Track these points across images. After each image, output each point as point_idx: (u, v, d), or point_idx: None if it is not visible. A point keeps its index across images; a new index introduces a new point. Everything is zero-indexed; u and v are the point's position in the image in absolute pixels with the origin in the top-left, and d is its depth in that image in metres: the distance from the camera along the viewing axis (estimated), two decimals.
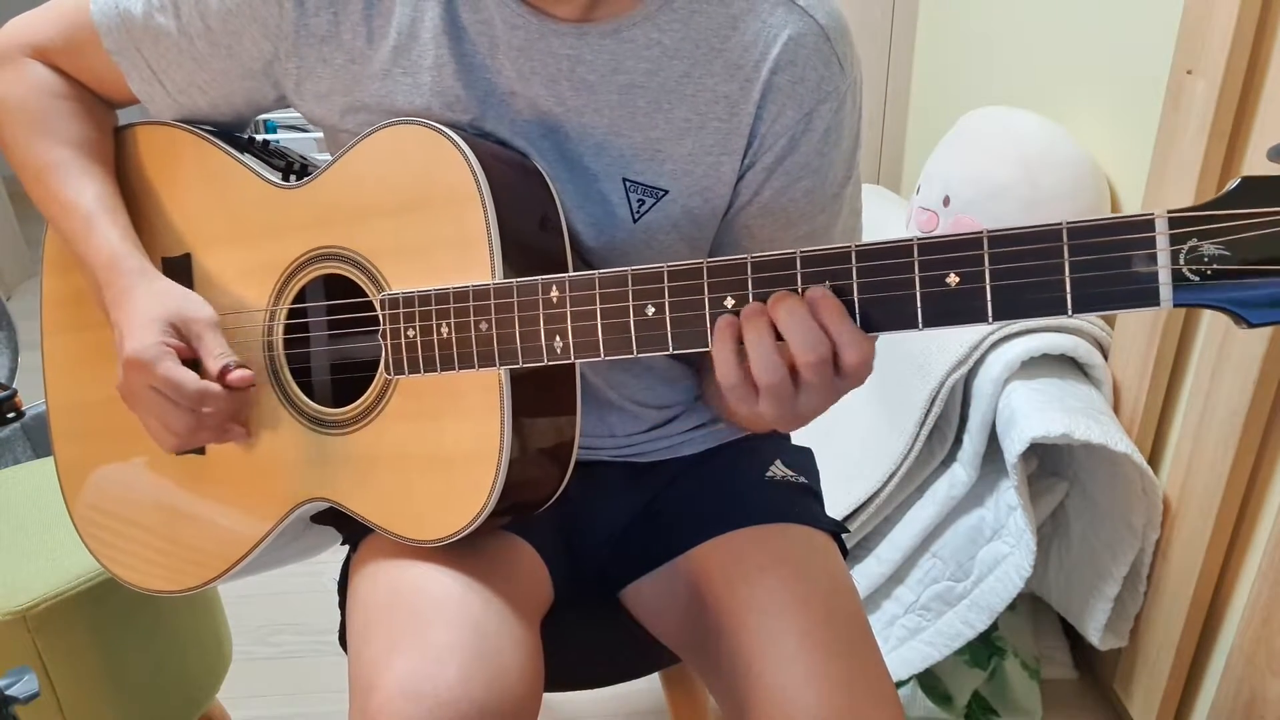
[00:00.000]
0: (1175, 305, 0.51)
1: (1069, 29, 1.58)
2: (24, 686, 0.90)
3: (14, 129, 0.86)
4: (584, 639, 0.95)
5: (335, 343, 0.86)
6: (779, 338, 0.61)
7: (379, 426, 0.78)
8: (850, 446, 1.58)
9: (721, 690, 0.82)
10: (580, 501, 0.87)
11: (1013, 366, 1.33)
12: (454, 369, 0.73)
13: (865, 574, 1.52)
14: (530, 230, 0.75)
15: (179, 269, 0.87)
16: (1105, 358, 1.40)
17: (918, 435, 1.42)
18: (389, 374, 0.76)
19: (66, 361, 0.95)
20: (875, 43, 2.23)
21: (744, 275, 0.61)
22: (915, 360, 1.44)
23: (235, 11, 0.79)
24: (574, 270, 0.76)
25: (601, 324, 0.66)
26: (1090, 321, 1.40)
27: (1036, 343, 1.33)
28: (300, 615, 1.81)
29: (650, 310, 0.64)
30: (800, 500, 0.94)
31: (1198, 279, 0.50)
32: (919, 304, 0.56)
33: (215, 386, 0.77)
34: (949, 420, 1.43)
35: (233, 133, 0.90)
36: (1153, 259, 0.51)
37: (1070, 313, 0.53)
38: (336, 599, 0.90)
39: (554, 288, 0.67)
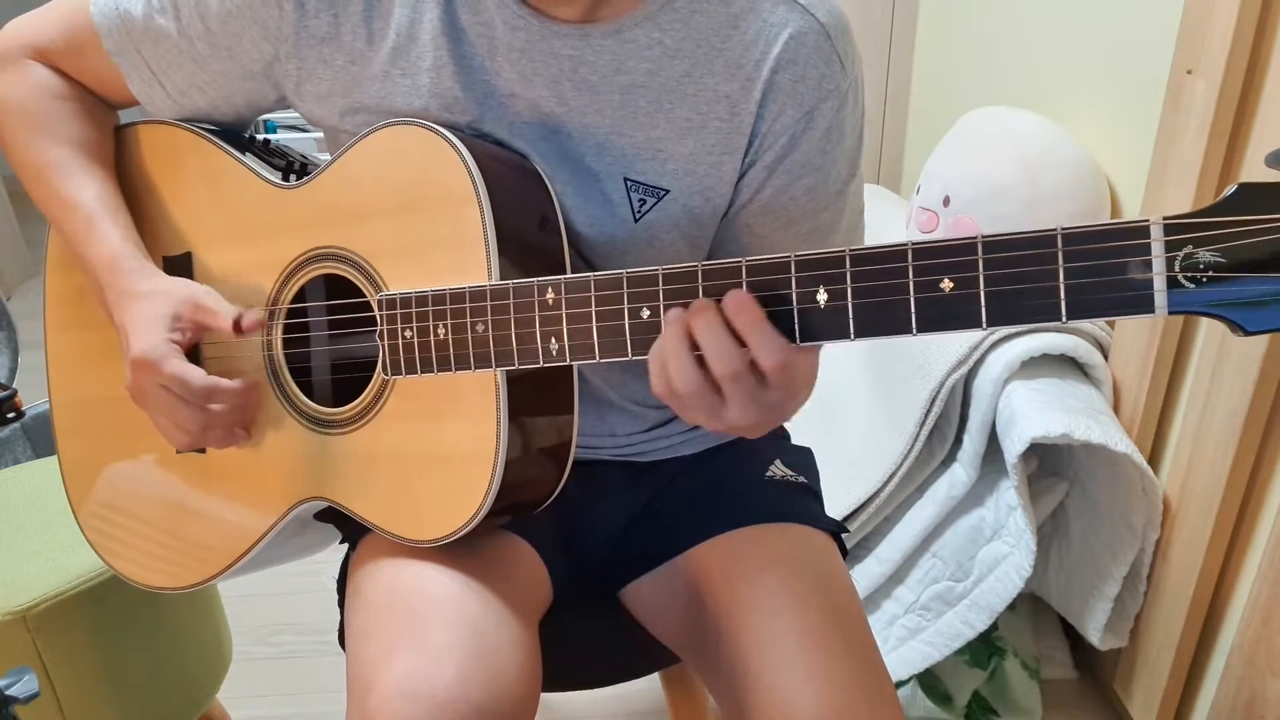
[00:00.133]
0: (1170, 313, 0.50)
1: (1069, 29, 1.58)
2: (24, 686, 0.90)
3: (14, 129, 0.86)
4: (583, 639, 0.95)
5: (334, 343, 0.86)
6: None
7: (376, 426, 0.78)
8: (850, 446, 1.58)
9: (721, 690, 0.82)
10: (580, 501, 0.87)
11: (1013, 366, 1.33)
12: (451, 370, 0.73)
13: (865, 574, 1.52)
14: (528, 231, 0.75)
15: (180, 268, 0.87)
16: (1105, 358, 1.39)
17: (918, 435, 1.42)
18: (386, 374, 0.77)
19: (70, 359, 0.95)
20: (875, 43, 2.23)
21: (739, 279, 0.61)
22: (915, 360, 1.44)
23: (235, 13, 0.79)
24: (573, 271, 0.77)
25: (597, 326, 0.66)
26: (1090, 321, 1.40)
27: (1036, 343, 1.33)
28: (300, 615, 1.81)
29: (645, 313, 0.64)
30: (800, 500, 0.94)
31: (1193, 286, 0.50)
32: (913, 309, 0.56)
33: (223, 381, 0.77)
34: (949, 420, 1.43)
35: (233, 132, 0.90)
36: (1148, 266, 0.50)
37: (1064, 319, 0.53)
38: (336, 598, 0.90)
39: (549, 290, 0.67)
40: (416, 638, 0.69)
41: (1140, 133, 1.34)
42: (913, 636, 1.46)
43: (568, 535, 0.93)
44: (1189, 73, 1.18)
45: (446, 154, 0.72)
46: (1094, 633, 1.40)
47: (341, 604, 0.87)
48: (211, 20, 0.80)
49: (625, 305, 0.64)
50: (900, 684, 1.49)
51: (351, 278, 0.79)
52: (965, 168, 1.49)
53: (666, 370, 0.63)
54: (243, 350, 0.84)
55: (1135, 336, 1.34)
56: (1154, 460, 1.37)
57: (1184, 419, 1.28)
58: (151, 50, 0.83)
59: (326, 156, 0.82)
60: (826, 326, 0.60)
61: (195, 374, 0.76)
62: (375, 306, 0.76)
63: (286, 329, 0.83)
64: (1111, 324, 1.41)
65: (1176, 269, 0.50)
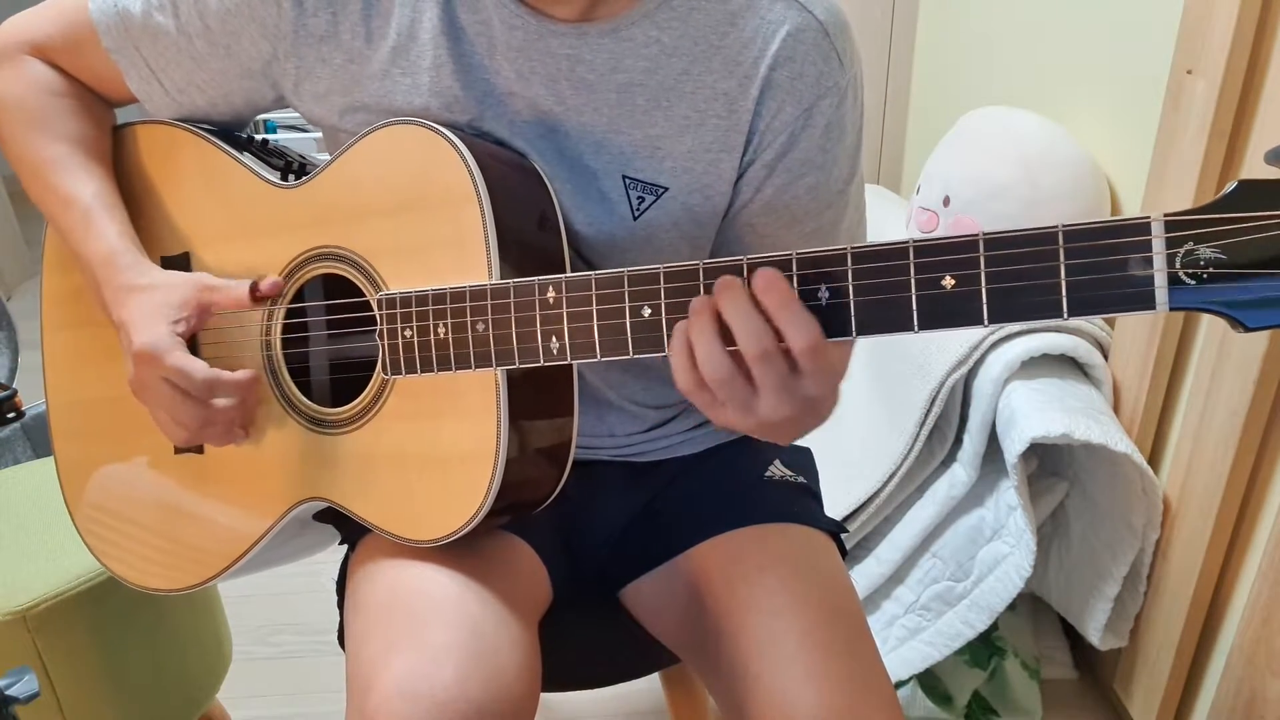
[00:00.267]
0: (1171, 309, 0.50)
1: (1069, 29, 1.58)
2: (24, 686, 0.90)
3: (12, 126, 0.86)
4: (583, 639, 0.95)
5: (333, 342, 0.86)
6: (732, 342, 0.60)
7: (376, 426, 0.78)
8: (850, 446, 1.58)
9: (720, 690, 0.82)
10: (579, 501, 0.87)
11: (1013, 366, 1.33)
12: (451, 369, 0.73)
13: (865, 574, 1.52)
14: (528, 230, 0.75)
15: (177, 268, 0.87)
16: (1105, 358, 1.40)
17: (918, 435, 1.42)
18: (386, 374, 0.76)
19: (67, 360, 0.95)
20: (875, 43, 2.23)
21: (741, 277, 0.61)
22: (915, 360, 1.44)
23: (234, 11, 0.79)
24: (573, 270, 0.77)
25: (598, 325, 0.66)
26: (1090, 321, 1.40)
27: (1036, 343, 1.33)
28: (300, 615, 1.81)
29: (646, 311, 0.64)
30: (799, 500, 0.94)
31: (1194, 283, 0.50)
32: (914, 306, 0.56)
33: (225, 374, 0.77)
34: (949, 420, 1.43)
35: (232, 132, 0.90)
36: (1149, 262, 0.50)
37: (1066, 316, 0.52)
38: (335, 599, 0.90)
39: (550, 288, 0.67)
40: (416, 638, 0.69)
41: (1140, 133, 1.34)
42: (913, 636, 1.46)
43: (567, 535, 0.92)
44: (1189, 73, 1.18)
45: (446, 153, 0.72)
46: (1094, 633, 1.40)
47: (341, 604, 0.87)
48: (210, 18, 0.80)
49: (626, 304, 0.64)
50: (900, 684, 1.49)
51: (351, 277, 0.78)
52: (965, 168, 1.49)
53: (694, 358, 0.61)
54: (242, 349, 0.84)
55: (1135, 336, 1.34)
56: (1154, 460, 1.37)
57: (1184, 419, 1.28)
58: (150, 48, 0.83)
59: (325, 156, 0.82)
60: (828, 324, 0.59)
61: (198, 366, 0.76)
62: (375, 306, 0.76)
63: (286, 328, 0.83)
64: (1111, 324, 1.41)
65: (1177, 265, 0.50)
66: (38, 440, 1.58)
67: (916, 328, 0.56)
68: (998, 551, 1.36)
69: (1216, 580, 1.27)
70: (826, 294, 0.59)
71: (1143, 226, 0.50)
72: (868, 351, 1.66)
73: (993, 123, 1.54)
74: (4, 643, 1.08)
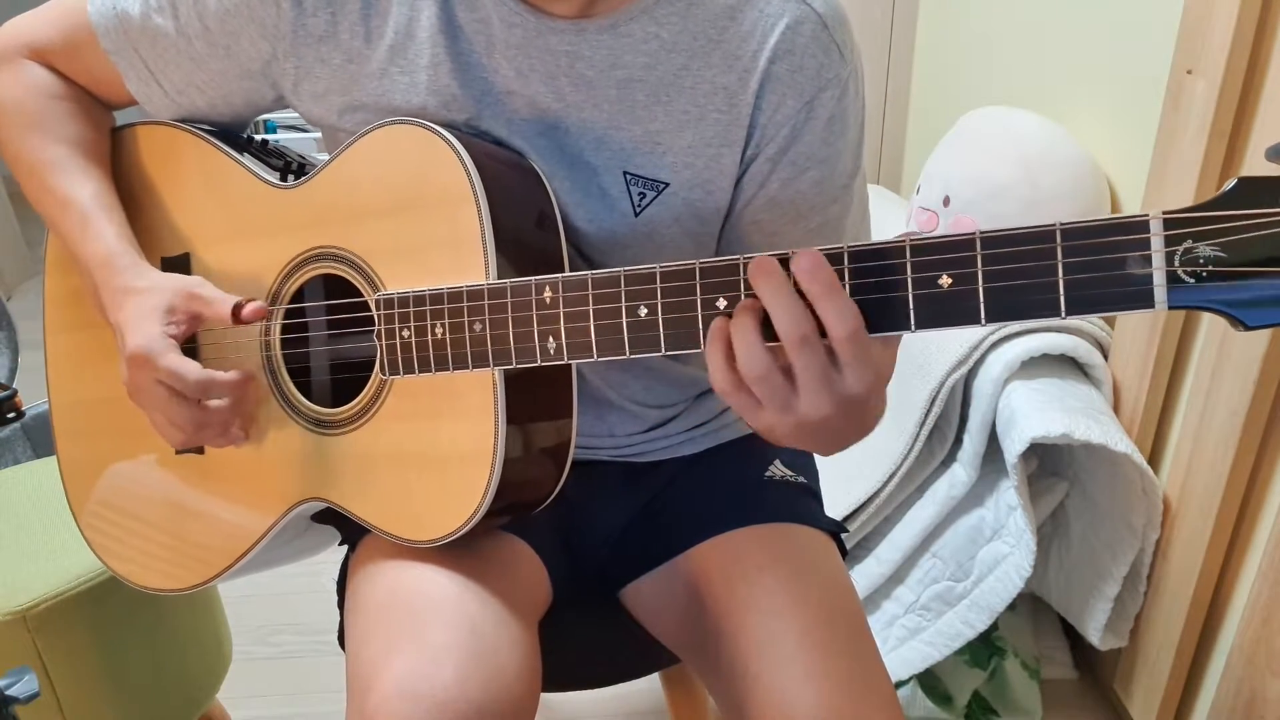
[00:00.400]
0: (1170, 308, 0.50)
1: (1069, 29, 1.58)
2: (24, 686, 0.90)
3: (11, 129, 0.86)
4: (583, 639, 0.95)
5: (332, 343, 0.86)
6: (770, 338, 0.58)
7: (375, 427, 0.78)
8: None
9: (720, 690, 0.82)
10: (579, 501, 0.87)
11: (1013, 366, 1.33)
12: (449, 369, 0.73)
13: (865, 574, 1.51)
14: (526, 229, 0.75)
15: (178, 268, 0.87)
16: (1105, 358, 1.39)
17: (918, 435, 1.42)
18: (384, 374, 0.76)
19: (69, 360, 0.95)
20: (875, 43, 2.23)
21: (737, 276, 0.60)
22: (915, 360, 1.44)
23: (233, 12, 0.79)
24: (573, 268, 0.77)
25: (594, 325, 0.65)
26: (1090, 321, 1.40)
27: (1036, 343, 1.33)
28: (300, 615, 1.82)
29: (643, 311, 0.63)
30: (800, 500, 0.94)
31: (1193, 281, 0.49)
32: (911, 305, 0.56)
33: (219, 374, 0.76)
34: (949, 420, 1.43)
35: (232, 132, 0.90)
36: (1147, 260, 0.50)
37: (1064, 315, 0.52)
38: (336, 599, 0.90)
39: (547, 288, 0.67)
40: (416, 638, 0.69)
41: (1140, 133, 1.34)
42: (913, 636, 1.46)
43: (567, 535, 0.92)
44: (1189, 73, 1.18)
45: (444, 153, 0.72)
46: (1094, 633, 1.40)
47: (341, 605, 0.87)
48: (209, 19, 0.80)
49: (623, 303, 0.64)
50: (900, 684, 1.49)
51: (349, 278, 0.78)
52: (965, 168, 1.49)
53: (731, 356, 0.59)
54: (240, 350, 0.84)
55: (1135, 336, 1.34)
56: (1154, 460, 1.37)
57: (1184, 419, 1.27)
58: (149, 49, 0.83)
59: (325, 156, 0.82)
60: None
61: (191, 368, 0.75)
62: (373, 306, 0.76)
63: (285, 329, 0.83)
64: (1111, 324, 1.41)
65: (1176, 263, 0.50)
66: (38, 440, 1.58)
67: (914, 327, 0.56)
68: (998, 551, 1.36)
69: (1216, 580, 1.26)
70: None
71: (1141, 224, 0.50)
72: None
73: (993, 123, 1.54)
74: (4, 643, 1.08)
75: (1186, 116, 1.19)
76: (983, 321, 0.54)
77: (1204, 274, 0.49)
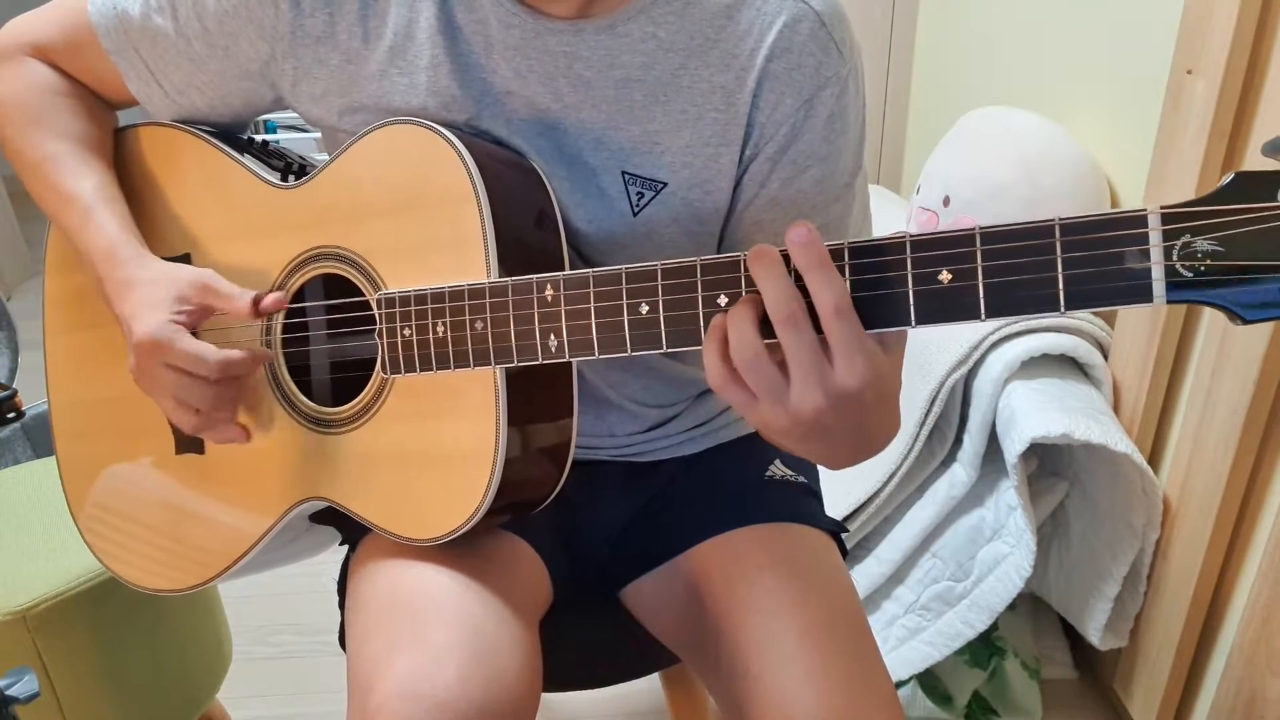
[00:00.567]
0: (1169, 302, 0.50)
1: (1069, 29, 1.58)
2: (24, 686, 0.90)
3: (13, 125, 0.86)
4: (584, 639, 0.95)
5: (333, 342, 0.86)
6: (768, 335, 0.58)
7: (376, 426, 0.78)
8: None
9: (720, 690, 0.82)
10: (580, 501, 0.87)
11: (1013, 366, 1.33)
12: (450, 368, 0.73)
13: (865, 574, 1.52)
14: (526, 229, 0.75)
15: None
16: (1105, 357, 1.39)
17: (918, 435, 1.42)
18: (385, 373, 0.76)
19: (69, 361, 0.95)
20: (875, 43, 2.23)
21: (738, 273, 0.60)
22: (915, 360, 1.44)
23: (232, 13, 0.79)
24: (573, 268, 0.77)
25: (596, 323, 0.65)
26: (1090, 321, 1.40)
27: (1036, 342, 1.33)
28: (300, 615, 1.81)
29: (644, 309, 0.63)
30: (800, 500, 0.94)
31: (1191, 275, 0.49)
32: (911, 301, 0.56)
33: (235, 352, 0.76)
34: (949, 420, 1.43)
35: (232, 133, 0.90)
36: (1146, 255, 0.50)
37: (1063, 309, 0.52)
38: (336, 599, 0.90)
39: (548, 286, 0.67)
40: (417, 638, 0.69)
41: (1140, 133, 1.34)
42: (913, 636, 1.46)
43: (568, 535, 0.92)
44: (1189, 73, 1.18)
45: (445, 153, 0.72)
46: (1094, 633, 1.40)
47: (342, 605, 0.87)
48: (208, 20, 0.80)
49: (624, 301, 0.64)
50: (900, 684, 1.49)
51: (350, 277, 0.79)
52: (965, 168, 1.49)
53: (727, 349, 0.59)
54: (241, 348, 0.84)
55: (1135, 336, 1.34)
56: (1154, 460, 1.37)
57: (1184, 419, 1.28)
58: (149, 49, 0.83)
59: (325, 156, 0.82)
60: None
61: (207, 349, 0.75)
62: (374, 305, 0.76)
63: (286, 328, 0.83)
64: (1112, 324, 1.41)
65: (1174, 258, 0.50)
66: (38, 440, 1.58)
67: (914, 323, 0.56)
68: (998, 551, 1.36)
69: (1216, 580, 1.26)
70: None
71: (1139, 219, 0.50)
72: None
73: (993, 123, 1.54)
74: (4, 643, 1.08)
75: (1186, 116, 1.19)
76: (982, 317, 0.54)
77: (1202, 268, 0.49)
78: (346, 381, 0.85)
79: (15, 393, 1.56)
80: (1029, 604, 1.59)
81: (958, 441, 1.43)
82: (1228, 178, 0.49)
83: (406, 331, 0.74)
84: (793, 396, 0.58)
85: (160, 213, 0.89)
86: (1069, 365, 1.39)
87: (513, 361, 0.70)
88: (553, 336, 0.67)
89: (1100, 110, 1.48)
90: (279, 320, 0.83)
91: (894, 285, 0.56)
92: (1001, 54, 1.84)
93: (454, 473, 0.74)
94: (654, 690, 1.55)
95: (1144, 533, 1.31)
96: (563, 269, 0.76)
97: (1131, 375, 1.36)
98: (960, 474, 1.40)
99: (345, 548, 0.93)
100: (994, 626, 1.50)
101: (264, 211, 0.84)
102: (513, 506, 0.78)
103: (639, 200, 0.79)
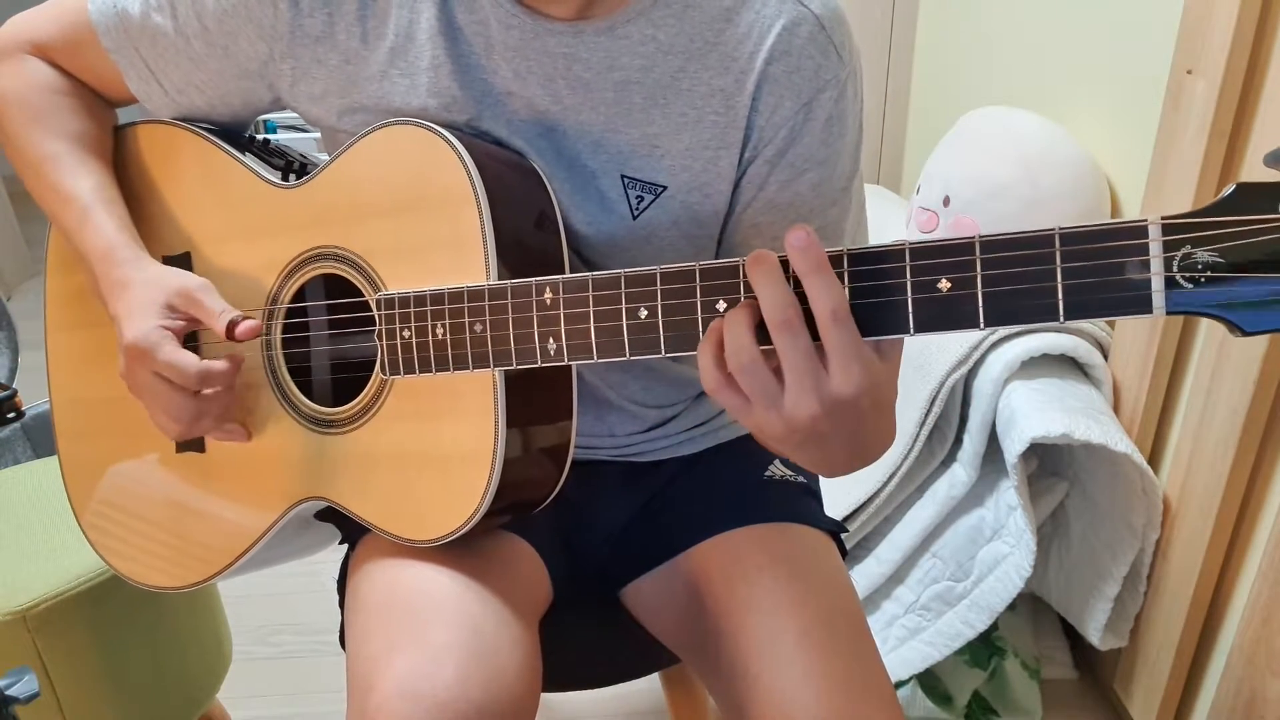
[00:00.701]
0: (1168, 313, 0.50)
1: (1069, 29, 1.58)
2: (24, 686, 0.90)
3: (13, 123, 0.86)
4: (583, 639, 0.95)
5: (332, 342, 0.86)
6: (764, 341, 0.58)
7: (375, 426, 0.78)
8: None
9: (720, 690, 0.82)
10: (579, 501, 0.87)
11: (1013, 366, 1.33)
12: (449, 370, 0.73)
13: (865, 574, 1.52)
14: (526, 230, 0.75)
15: (179, 267, 0.87)
16: (1105, 358, 1.39)
17: (918, 435, 1.42)
18: (385, 374, 0.76)
19: (70, 359, 0.95)
20: (875, 43, 2.23)
21: (737, 279, 0.60)
22: (915, 360, 1.44)
23: (231, 12, 0.79)
24: (572, 270, 0.77)
25: (594, 326, 0.65)
26: (1091, 321, 1.40)
27: (1036, 343, 1.33)
28: (300, 615, 1.82)
29: (643, 313, 0.63)
30: (799, 500, 0.94)
31: (1191, 286, 0.49)
32: (910, 309, 0.56)
33: (217, 364, 0.76)
34: (949, 420, 1.43)
35: (233, 132, 0.90)
36: (1146, 266, 0.50)
37: (1062, 319, 0.52)
38: (336, 599, 0.90)
39: (547, 289, 0.67)
40: (416, 637, 0.69)
41: (1140, 133, 1.34)
42: (913, 636, 1.46)
43: (568, 535, 0.93)
44: (1189, 73, 1.18)
45: (445, 154, 0.72)
46: (1094, 633, 1.40)
47: (342, 604, 0.87)
48: (208, 19, 0.80)
49: (623, 305, 0.64)
50: (900, 684, 1.49)
51: (350, 278, 0.79)
52: (965, 168, 1.49)
53: (723, 353, 0.59)
54: (241, 348, 0.84)
55: (1135, 336, 1.34)
56: (1154, 460, 1.37)
57: (1184, 419, 1.28)
58: (149, 48, 0.83)
59: (325, 156, 0.82)
60: None
61: (189, 360, 0.75)
62: (374, 306, 0.76)
63: (285, 329, 0.83)
64: (1111, 324, 1.41)
65: (1175, 269, 0.49)
66: (38, 440, 1.58)
67: (912, 330, 0.56)
68: (998, 551, 1.36)
69: (1216, 580, 1.26)
70: None
71: (1140, 230, 0.50)
72: None
73: (993, 123, 1.54)
74: (4, 643, 1.08)
75: (1186, 116, 1.19)
76: (981, 326, 0.54)
77: (1202, 279, 0.49)
78: (347, 382, 0.85)
79: (15, 393, 1.56)
80: (1029, 604, 1.59)
81: (958, 441, 1.43)
82: (1229, 189, 0.48)
83: (406, 333, 0.74)
84: (787, 402, 0.58)
85: (159, 212, 0.89)
86: (1069, 365, 1.39)
87: (512, 364, 0.70)
88: (551, 340, 0.67)
89: (1100, 110, 1.48)
90: (278, 322, 0.83)
91: (893, 293, 0.56)
92: (1001, 54, 1.84)
93: (453, 474, 0.74)
94: (654, 690, 1.55)
95: (1144, 533, 1.31)
96: (563, 271, 0.76)
97: (1131, 375, 1.36)
98: (960, 474, 1.40)
99: (344, 547, 0.93)
100: (994, 626, 1.50)
101: (264, 211, 0.84)
102: (512, 507, 0.78)
103: (638, 204, 0.79)
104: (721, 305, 0.61)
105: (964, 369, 1.37)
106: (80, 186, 0.83)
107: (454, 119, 0.78)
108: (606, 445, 0.94)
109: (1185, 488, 1.27)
